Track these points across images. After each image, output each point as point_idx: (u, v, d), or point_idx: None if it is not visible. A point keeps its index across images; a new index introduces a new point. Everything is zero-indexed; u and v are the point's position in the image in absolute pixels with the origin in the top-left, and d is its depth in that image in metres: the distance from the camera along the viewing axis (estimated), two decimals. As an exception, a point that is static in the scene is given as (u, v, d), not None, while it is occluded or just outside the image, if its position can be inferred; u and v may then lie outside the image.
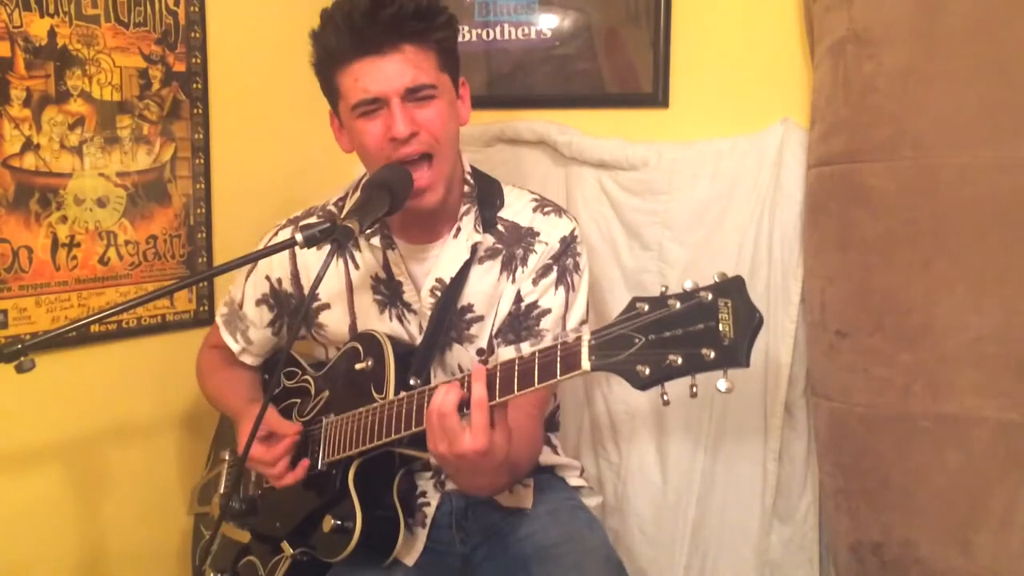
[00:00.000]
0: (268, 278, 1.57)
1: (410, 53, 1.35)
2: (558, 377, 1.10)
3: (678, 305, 1.01)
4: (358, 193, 1.53)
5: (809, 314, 1.63)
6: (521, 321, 1.47)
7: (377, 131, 1.37)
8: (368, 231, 1.40)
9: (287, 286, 1.56)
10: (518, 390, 1.14)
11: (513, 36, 1.96)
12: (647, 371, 1.02)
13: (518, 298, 1.47)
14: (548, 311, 1.46)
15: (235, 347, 1.61)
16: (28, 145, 1.57)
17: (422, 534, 1.46)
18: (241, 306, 1.60)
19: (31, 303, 1.59)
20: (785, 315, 1.68)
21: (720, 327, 0.98)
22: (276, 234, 1.58)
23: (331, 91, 1.42)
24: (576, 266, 1.49)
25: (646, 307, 1.04)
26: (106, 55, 1.66)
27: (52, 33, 1.58)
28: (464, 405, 1.18)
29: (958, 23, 1.40)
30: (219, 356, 1.66)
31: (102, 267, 1.69)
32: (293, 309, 1.59)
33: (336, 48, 1.36)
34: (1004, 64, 1.38)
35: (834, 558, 1.65)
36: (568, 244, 1.49)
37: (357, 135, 1.40)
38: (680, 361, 0.99)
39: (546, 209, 1.52)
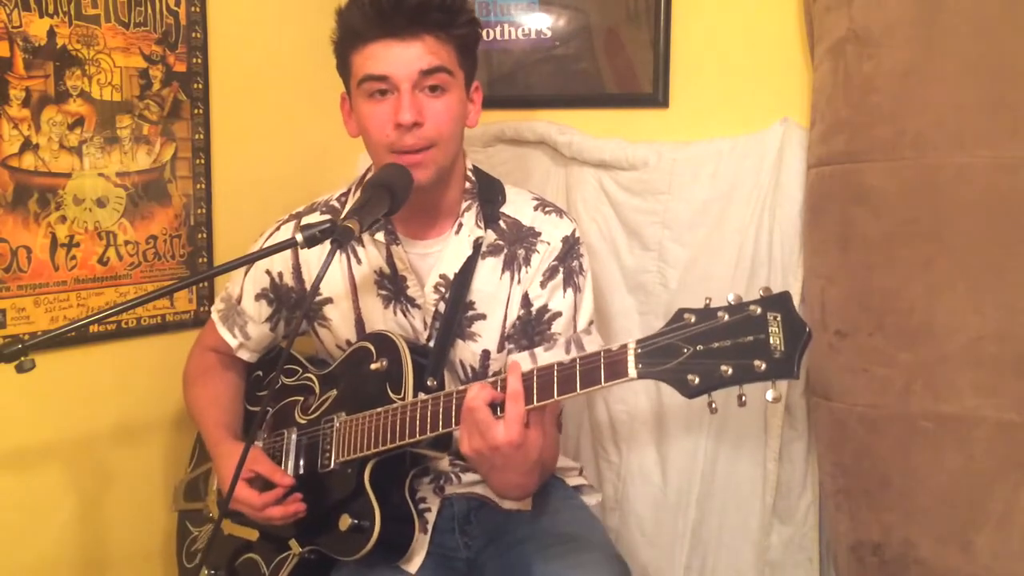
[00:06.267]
0: (268, 272, 1.57)
1: (429, 42, 1.36)
2: (602, 383, 1.13)
3: (726, 317, 1.05)
4: (360, 190, 1.53)
5: (809, 314, 1.62)
6: (533, 326, 1.47)
7: (383, 115, 1.37)
8: (373, 227, 1.40)
9: (288, 280, 1.57)
10: (558, 395, 1.16)
11: (513, 36, 1.96)
12: (696, 380, 1.05)
13: (527, 302, 1.47)
14: (559, 314, 1.47)
15: (233, 342, 1.61)
16: (27, 145, 1.56)
17: (424, 540, 1.46)
18: (239, 301, 1.60)
19: (30, 303, 1.59)
20: (785, 315, 1.68)
21: (771, 340, 1.02)
22: (278, 228, 1.58)
23: (345, 70, 1.42)
24: (581, 268, 1.50)
25: (693, 318, 1.07)
26: (106, 55, 1.66)
27: (51, 33, 1.58)
28: (499, 404, 1.20)
29: (958, 23, 1.40)
30: (210, 365, 1.65)
31: (101, 267, 1.69)
32: (294, 304, 1.58)
33: (358, 27, 1.37)
34: (1004, 64, 1.38)
35: (834, 558, 1.65)
36: (571, 245, 1.49)
37: (363, 118, 1.40)
38: (731, 371, 1.03)
39: (547, 209, 1.52)
